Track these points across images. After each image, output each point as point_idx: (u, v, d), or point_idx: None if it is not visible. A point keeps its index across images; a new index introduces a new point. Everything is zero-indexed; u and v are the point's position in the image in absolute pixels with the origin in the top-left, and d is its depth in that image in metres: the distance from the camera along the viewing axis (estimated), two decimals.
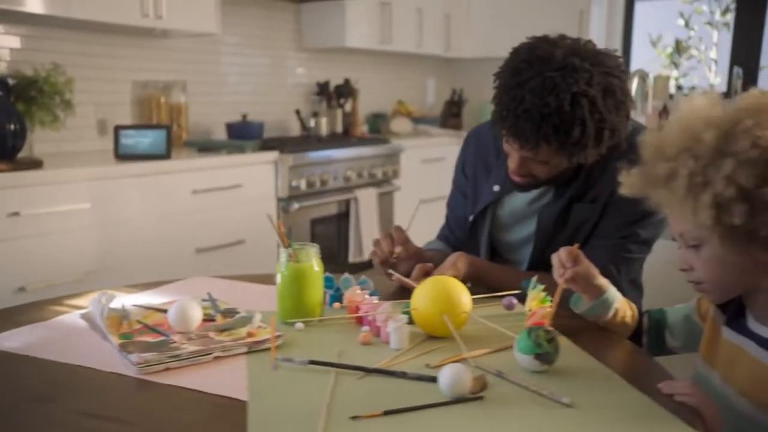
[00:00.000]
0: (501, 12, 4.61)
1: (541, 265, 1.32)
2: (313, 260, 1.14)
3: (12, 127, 2.15)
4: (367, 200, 3.37)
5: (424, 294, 1.06)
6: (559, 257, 1.04)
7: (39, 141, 2.61)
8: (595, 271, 1.05)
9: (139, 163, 2.43)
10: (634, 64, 4.96)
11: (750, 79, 4.27)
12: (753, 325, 0.86)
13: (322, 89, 3.90)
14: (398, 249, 1.31)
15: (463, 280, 1.29)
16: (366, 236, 3.37)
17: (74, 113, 2.55)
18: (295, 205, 2.99)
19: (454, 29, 4.61)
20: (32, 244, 2.10)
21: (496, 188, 1.44)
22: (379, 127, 4.30)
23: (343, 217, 3.34)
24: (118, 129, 2.54)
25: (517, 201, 1.43)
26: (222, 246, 2.72)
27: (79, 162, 2.45)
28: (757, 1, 4.24)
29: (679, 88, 4.64)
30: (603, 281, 1.06)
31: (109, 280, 2.18)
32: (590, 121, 1.16)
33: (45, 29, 2.68)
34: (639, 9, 4.94)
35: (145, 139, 2.53)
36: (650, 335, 1.09)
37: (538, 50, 1.20)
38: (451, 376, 0.84)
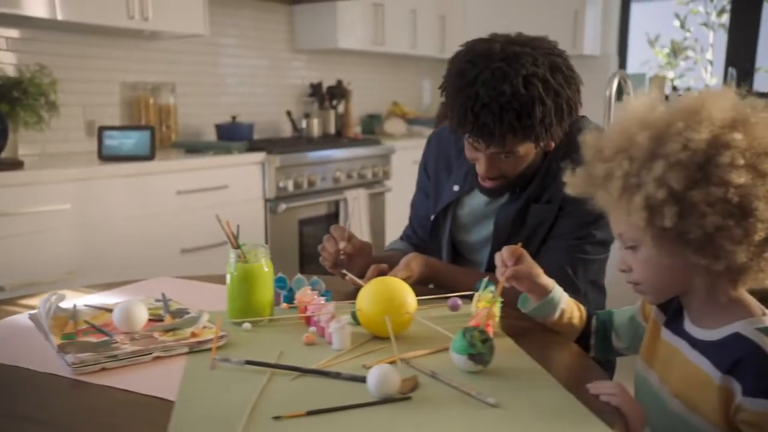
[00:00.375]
0: (496, 13, 4.60)
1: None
2: (262, 260, 1.14)
3: None
4: (356, 201, 3.37)
5: (367, 295, 1.05)
6: (501, 256, 1.04)
7: (26, 142, 2.64)
8: (538, 270, 1.05)
9: (122, 164, 2.44)
10: (631, 66, 4.94)
11: (745, 80, 4.24)
12: (688, 326, 0.86)
13: (315, 90, 3.91)
14: (343, 244, 1.32)
15: (421, 281, 1.29)
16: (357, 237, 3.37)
17: (58, 114, 2.57)
18: (283, 206, 2.99)
19: (449, 30, 4.60)
20: (12, 243, 2.11)
21: (456, 188, 1.44)
22: (373, 128, 4.30)
23: (332, 218, 3.35)
24: (101, 130, 2.56)
25: (476, 201, 1.43)
26: (207, 246, 2.72)
27: (62, 163, 2.47)
28: (752, 2, 4.21)
29: (674, 89, 4.62)
30: (548, 281, 1.06)
31: (91, 280, 2.19)
32: (547, 98, 1.18)
33: (33, 31, 2.70)
34: (635, 9, 4.92)
35: (129, 141, 2.54)
36: (597, 337, 1.09)
37: (477, 49, 1.22)
38: (378, 377, 0.84)
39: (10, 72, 2.58)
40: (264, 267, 1.14)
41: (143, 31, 2.87)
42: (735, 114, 0.78)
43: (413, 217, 1.59)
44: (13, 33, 2.65)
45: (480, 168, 1.29)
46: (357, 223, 3.37)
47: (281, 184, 3.00)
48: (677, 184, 0.75)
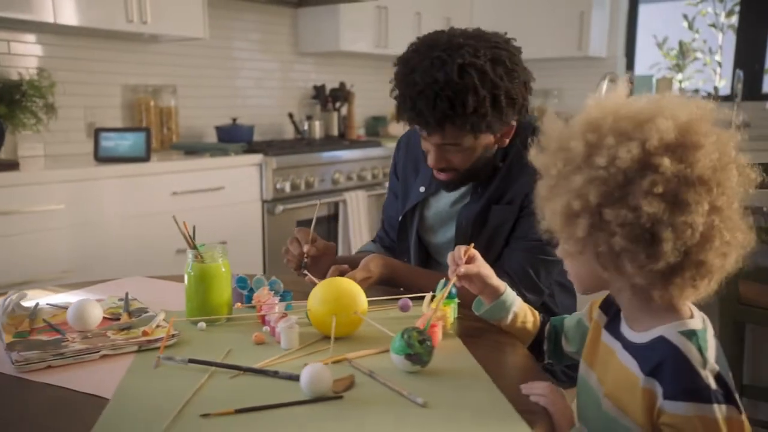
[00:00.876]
0: (502, 15, 4.58)
1: None
2: (219, 260, 1.15)
3: None
4: (355, 202, 3.38)
5: (317, 295, 1.06)
6: (453, 255, 1.04)
7: (27, 143, 2.68)
8: (489, 271, 1.05)
9: (117, 165, 2.47)
10: (639, 68, 4.88)
11: (754, 81, 4.17)
12: (623, 327, 0.85)
13: (318, 93, 3.93)
14: (306, 247, 1.32)
15: (381, 282, 1.29)
16: (355, 238, 3.38)
17: (56, 116, 2.61)
18: (280, 208, 3.01)
19: None
20: (9, 243, 2.15)
21: (422, 189, 1.45)
22: (377, 130, 4.31)
23: (332, 220, 3.36)
24: (98, 132, 2.59)
25: (441, 203, 1.43)
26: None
27: (61, 164, 2.51)
28: (761, 4, 4.14)
29: (682, 91, 4.56)
30: (499, 283, 1.06)
31: (86, 278, 2.22)
32: (482, 88, 1.18)
33: (35, 35, 2.75)
34: (643, 11, 4.87)
35: (125, 142, 2.57)
36: (549, 342, 1.08)
37: (425, 39, 1.24)
38: (310, 376, 0.84)
39: (13, 75, 2.63)
40: (221, 267, 1.14)
41: (143, 35, 2.91)
42: (680, 134, 0.74)
43: (384, 219, 1.60)
44: (16, 37, 2.70)
45: (430, 159, 1.31)
46: (356, 224, 3.38)
47: (278, 186, 3.01)
48: (594, 199, 0.74)
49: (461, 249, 1.05)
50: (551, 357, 1.09)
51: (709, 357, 0.75)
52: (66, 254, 2.31)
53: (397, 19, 4.08)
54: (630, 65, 4.79)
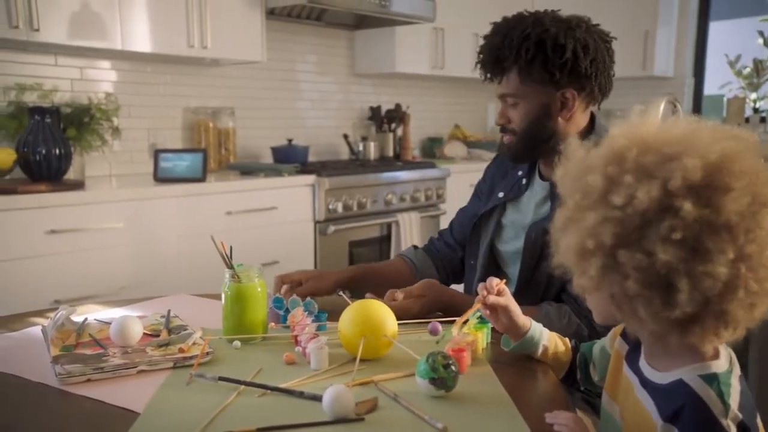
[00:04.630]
0: None
1: (529, 285, 1.35)
2: (255, 280, 1.18)
3: (57, 151, 2.35)
4: (408, 224, 3.40)
5: (347, 317, 1.08)
6: (486, 284, 1.05)
7: (93, 164, 2.83)
8: (516, 307, 1.05)
9: (175, 185, 2.58)
10: (709, 87, 4.74)
11: None
12: (642, 362, 0.82)
13: (374, 114, 3.98)
14: (284, 288, 1.38)
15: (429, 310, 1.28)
16: None
17: (121, 138, 2.75)
18: (332, 228, 3.06)
19: None
20: (68, 260, 2.27)
21: (501, 194, 1.50)
22: (433, 152, 4.33)
23: (384, 241, 3.38)
24: (157, 153, 2.71)
25: (519, 212, 1.47)
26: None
27: (121, 184, 2.64)
28: None
29: (755, 110, 4.39)
30: (525, 321, 1.06)
31: (142, 295, 2.31)
32: (548, 44, 1.30)
33: (105, 61, 2.91)
34: (714, 28, 4.73)
35: (183, 163, 2.68)
36: (581, 370, 1.06)
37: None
38: (332, 397, 0.86)
39: (84, 100, 2.79)
40: (257, 287, 1.18)
41: (204, 59, 3.03)
42: (707, 175, 0.68)
43: (456, 218, 1.65)
44: (88, 63, 2.86)
45: (497, 117, 1.42)
46: (408, 245, 3.39)
47: (331, 206, 3.07)
48: (608, 240, 0.71)
49: (493, 280, 1.05)
50: (585, 385, 1.07)
51: (731, 404, 0.71)
52: (123, 271, 2.42)
53: (454, 40, 4.10)
54: (699, 85, 4.65)
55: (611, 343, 0.95)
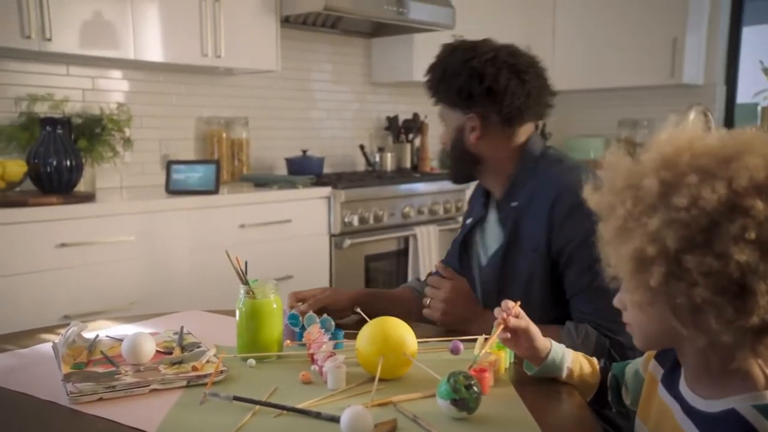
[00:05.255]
0: (587, 42, 4.54)
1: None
2: (270, 296, 1.19)
3: (68, 162, 2.38)
4: (426, 237, 3.40)
5: (365, 334, 1.08)
6: (503, 306, 1.04)
7: (104, 176, 2.87)
8: (536, 330, 1.04)
9: (187, 198, 2.60)
10: (742, 95, 4.69)
11: None
12: (683, 387, 0.81)
13: (391, 124, 4.00)
14: (304, 305, 1.41)
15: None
16: (425, 274, 3.38)
17: (133, 149, 2.79)
18: (348, 242, 3.07)
19: None
20: (78, 273, 2.30)
21: (469, 220, 1.56)
22: None
23: (402, 255, 3.38)
24: (170, 164, 2.74)
25: (485, 236, 1.52)
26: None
27: (133, 196, 2.66)
28: None
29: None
30: (545, 343, 1.05)
31: (153, 310, 2.33)
32: (463, 69, 1.40)
33: (116, 71, 2.96)
34: (747, 34, 4.69)
35: (195, 174, 2.71)
36: (612, 391, 1.05)
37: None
38: (349, 418, 0.86)
39: (95, 110, 2.83)
40: (272, 303, 1.19)
41: (217, 68, 3.07)
42: None
43: (450, 248, 1.67)
44: (100, 73, 2.91)
45: None
46: (426, 260, 3.39)
47: (347, 219, 3.08)
48: (672, 244, 0.69)
49: (509, 302, 1.05)
50: (617, 407, 1.06)
51: None
52: (134, 285, 2.44)
53: None
54: (731, 93, 4.61)
55: (645, 366, 0.95)
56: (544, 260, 1.33)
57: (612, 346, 1.24)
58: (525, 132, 1.45)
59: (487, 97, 1.38)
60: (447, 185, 3.56)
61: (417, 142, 4.06)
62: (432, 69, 1.47)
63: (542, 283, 1.34)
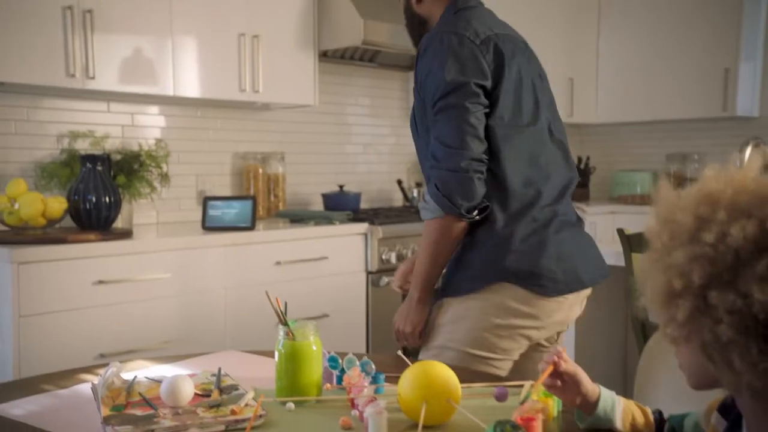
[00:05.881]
0: (632, 73, 4.53)
1: None
2: (310, 338, 1.21)
3: (107, 199, 2.45)
4: None
5: (407, 379, 1.08)
6: (553, 349, 1.04)
7: (140, 211, 2.95)
8: (584, 375, 1.04)
9: (223, 234, 2.65)
10: None
11: None
12: None
13: None
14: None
15: None
16: None
17: (169, 184, 2.86)
18: (385, 280, 3.08)
19: (578, 93, 4.59)
20: (114, 311, 2.35)
21: None
22: None
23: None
24: (206, 200, 2.80)
25: None
26: (305, 319, 2.84)
27: (169, 232, 2.73)
28: None
29: None
30: (593, 388, 1.04)
31: (187, 349, 2.37)
32: None
33: (152, 107, 3.06)
34: None
35: (231, 210, 2.76)
36: None
37: None
38: None
39: (134, 146, 2.92)
40: (312, 345, 1.20)
41: (255, 103, 3.15)
42: None
43: None
44: (139, 109, 3.01)
45: None
46: None
47: (384, 257, 3.09)
48: (698, 279, 0.71)
49: (558, 347, 1.05)
50: None
51: None
52: (169, 324, 2.48)
53: None
54: None
55: (707, 420, 0.93)
56: (417, 96, 1.61)
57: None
58: None
59: None
60: None
61: None
62: None
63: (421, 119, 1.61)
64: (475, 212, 1.51)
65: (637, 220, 3.81)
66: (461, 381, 1.10)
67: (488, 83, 1.51)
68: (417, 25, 1.70)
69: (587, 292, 1.61)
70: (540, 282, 1.50)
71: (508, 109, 1.53)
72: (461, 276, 1.58)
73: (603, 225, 4.26)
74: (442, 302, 1.61)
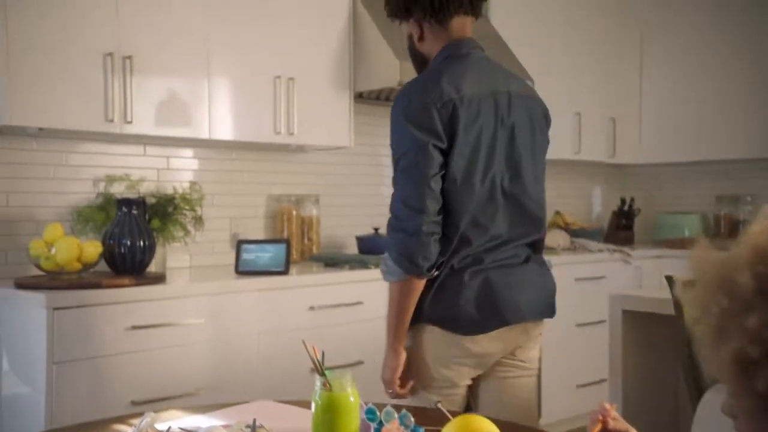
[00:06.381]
0: (678, 111, 4.50)
1: None
2: (348, 390, 1.21)
3: (141, 243, 2.51)
4: None
5: None
6: (600, 406, 1.03)
7: (173, 255, 3.00)
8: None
9: (256, 278, 2.69)
10: None
11: None
12: None
13: None
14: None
15: None
16: None
17: (203, 228, 2.92)
18: None
19: (621, 133, 4.58)
20: (147, 357, 2.38)
21: None
22: None
23: None
24: (240, 243, 2.85)
25: None
26: (339, 367, 2.84)
27: (203, 277, 2.77)
28: None
29: None
30: None
31: (220, 396, 2.38)
32: None
33: (187, 149, 3.14)
34: None
35: (265, 254, 2.80)
36: None
37: None
38: None
39: (168, 189, 3.00)
40: (350, 397, 1.21)
41: (289, 145, 3.21)
42: None
43: None
44: (174, 152, 3.09)
45: None
46: None
47: None
48: None
49: (605, 404, 1.04)
50: None
51: None
52: (201, 370, 2.51)
53: (555, 120, 4.13)
54: None
55: None
56: None
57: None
58: (458, 26, 1.77)
59: (417, 3, 1.75)
60: None
61: None
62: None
63: None
64: (434, 270, 1.69)
65: (685, 265, 3.74)
66: None
67: (444, 145, 1.66)
68: (420, 63, 1.86)
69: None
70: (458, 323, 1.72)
71: (461, 171, 1.67)
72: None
73: (649, 269, 4.20)
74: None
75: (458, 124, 1.65)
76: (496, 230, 1.73)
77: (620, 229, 4.67)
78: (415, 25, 1.79)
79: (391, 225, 1.71)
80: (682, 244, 4.31)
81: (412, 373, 1.81)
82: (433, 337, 1.74)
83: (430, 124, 1.64)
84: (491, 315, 1.72)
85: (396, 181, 1.71)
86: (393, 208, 1.71)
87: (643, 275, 4.17)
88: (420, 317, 1.75)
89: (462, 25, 1.77)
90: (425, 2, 1.74)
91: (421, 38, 1.80)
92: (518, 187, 1.76)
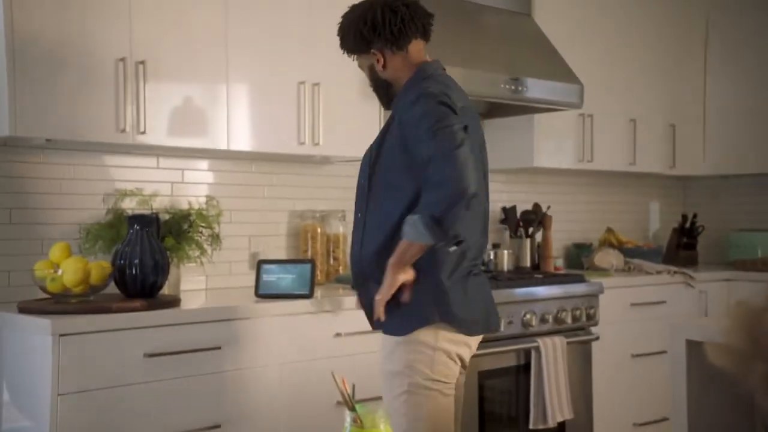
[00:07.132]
0: (747, 118, 4.46)
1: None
2: (381, 426, 1.23)
3: (153, 263, 2.55)
4: (552, 351, 3.34)
5: None
6: None
7: (188, 276, 3.04)
8: None
9: (278, 302, 2.71)
10: None
11: None
12: None
13: (508, 216, 4.04)
14: None
15: None
16: (552, 396, 3.31)
17: (220, 247, 2.95)
18: None
19: (681, 141, 4.54)
20: (161, 388, 2.40)
21: None
22: (580, 261, 4.29)
23: (522, 371, 3.34)
24: (260, 264, 2.88)
25: None
26: (370, 399, 2.84)
27: (218, 300, 2.80)
28: None
29: None
30: None
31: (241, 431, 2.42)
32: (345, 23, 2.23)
33: (203, 161, 3.19)
34: None
35: (288, 276, 2.82)
36: None
37: None
38: None
39: (183, 204, 3.04)
40: None
41: (314, 156, 3.25)
42: None
43: None
44: (189, 165, 3.15)
45: None
46: (552, 380, 3.32)
47: None
48: None
49: None
50: None
51: None
52: (219, 403, 2.53)
53: (605, 128, 4.14)
54: None
55: None
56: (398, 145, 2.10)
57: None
58: (415, 50, 2.15)
59: (374, 33, 2.09)
60: (575, 288, 3.53)
61: (538, 236, 4.07)
62: (339, 38, 2.22)
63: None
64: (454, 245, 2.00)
65: (759, 290, 3.67)
66: None
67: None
68: (385, 89, 2.23)
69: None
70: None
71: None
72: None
73: (716, 294, 4.15)
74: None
75: (467, 128, 2.01)
76: (480, 239, 2.17)
77: (681, 248, 4.63)
78: (377, 54, 2.13)
79: (439, 184, 1.89)
80: (755, 265, 4.24)
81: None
82: (447, 334, 2.08)
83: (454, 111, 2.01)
84: (485, 318, 2.20)
85: (438, 140, 1.92)
86: (438, 166, 1.90)
87: (709, 300, 4.12)
88: (434, 317, 2.06)
89: (419, 48, 2.16)
90: (386, 32, 2.09)
91: (384, 66, 2.15)
92: (485, 199, 2.19)
